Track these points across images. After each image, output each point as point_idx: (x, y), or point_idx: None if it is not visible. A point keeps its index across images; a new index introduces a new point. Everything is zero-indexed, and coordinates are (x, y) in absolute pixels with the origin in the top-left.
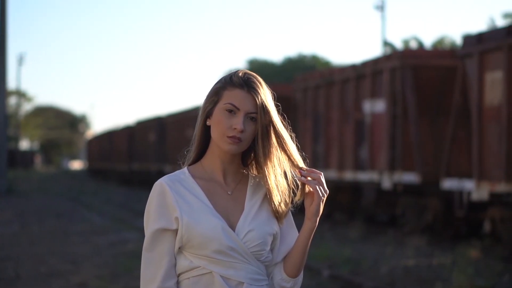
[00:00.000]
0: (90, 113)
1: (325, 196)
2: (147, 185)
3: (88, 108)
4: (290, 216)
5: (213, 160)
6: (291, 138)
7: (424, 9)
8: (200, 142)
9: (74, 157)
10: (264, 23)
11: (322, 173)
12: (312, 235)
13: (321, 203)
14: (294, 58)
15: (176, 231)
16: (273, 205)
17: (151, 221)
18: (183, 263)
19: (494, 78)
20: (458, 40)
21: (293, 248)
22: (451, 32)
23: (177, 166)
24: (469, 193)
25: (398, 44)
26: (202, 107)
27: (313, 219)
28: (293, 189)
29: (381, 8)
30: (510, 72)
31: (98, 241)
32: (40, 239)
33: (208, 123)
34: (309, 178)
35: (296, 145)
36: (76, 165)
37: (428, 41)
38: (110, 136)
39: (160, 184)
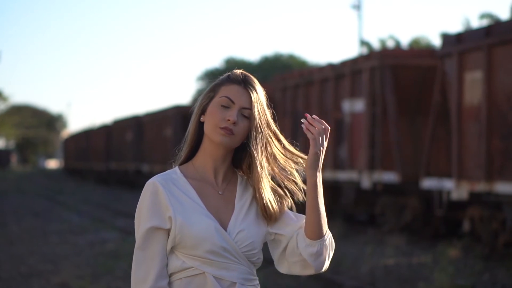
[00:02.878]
0: (66, 112)
1: (321, 148)
2: (125, 184)
3: (64, 107)
4: (287, 212)
5: (204, 158)
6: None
7: (400, 8)
8: (193, 139)
9: (50, 156)
10: (241, 22)
11: (329, 128)
12: (319, 190)
13: (316, 155)
14: (270, 57)
15: (168, 230)
16: (260, 204)
17: (143, 220)
18: (175, 263)
19: (474, 78)
20: (433, 40)
21: (306, 209)
22: (427, 32)
23: (154, 165)
24: (448, 193)
25: (375, 44)
26: (198, 104)
27: (310, 172)
28: (291, 189)
29: (357, 7)
30: (490, 72)
31: (77, 241)
32: (19, 239)
33: (202, 119)
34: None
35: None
36: (52, 164)
37: (405, 41)
38: (87, 135)
39: (153, 183)
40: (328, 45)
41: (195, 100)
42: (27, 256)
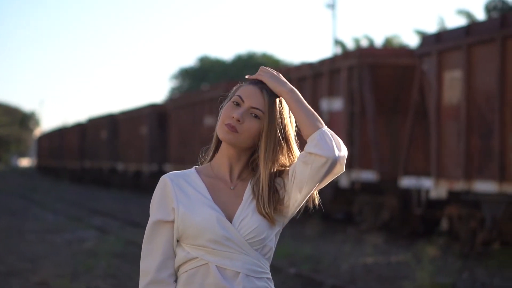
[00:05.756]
0: (39, 110)
1: (260, 76)
2: (100, 183)
3: (37, 105)
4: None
5: (221, 157)
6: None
7: (374, 7)
8: (216, 139)
9: (23, 154)
10: (215, 20)
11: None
12: (297, 94)
13: (272, 78)
14: (244, 56)
15: (173, 222)
16: (257, 203)
17: (152, 213)
18: (181, 254)
19: (453, 77)
20: (406, 40)
21: (295, 116)
22: (400, 31)
23: (129, 164)
24: (427, 191)
25: (349, 43)
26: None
27: (279, 90)
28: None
29: (332, 6)
30: (469, 71)
31: (54, 240)
32: None
33: None
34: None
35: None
36: (25, 162)
37: (378, 40)
38: (61, 133)
39: (163, 178)
40: (301, 44)
41: (169, 98)
42: (5, 255)
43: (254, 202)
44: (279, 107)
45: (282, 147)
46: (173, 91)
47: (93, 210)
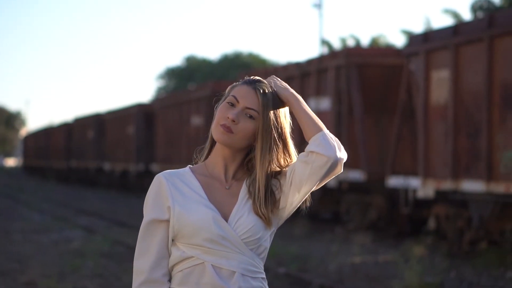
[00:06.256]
0: (25, 110)
1: (276, 85)
2: (86, 182)
3: (23, 104)
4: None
5: (215, 157)
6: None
7: (360, 7)
8: (211, 139)
9: (8, 154)
10: (201, 20)
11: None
12: (300, 99)
13: (274, 83)
14: (230, 55)
15: (168, 221)
16: (253, 203)
17: (146, 212)
18: (175, 254)
19: (441, 77)
20: (392, 40)
21: (298, 119)
22: (385, 31)
23: (116, 163)
24: (414, 191)
25: (336, 43)
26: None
27: (286, 93)
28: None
29: (318, 6)
30: (457, 71)
31: (41, 240)
32: None
33: None
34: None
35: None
36: (11, 162)
37: (365, 40)
38: (47, 133)
39: (157, 177)
40: (288, 44)
41: (156, 98)
42: None
43: (250, 202)
44: (274, 106)
45: (278, 146)
46: (160, 90)
47: (80, 210)
